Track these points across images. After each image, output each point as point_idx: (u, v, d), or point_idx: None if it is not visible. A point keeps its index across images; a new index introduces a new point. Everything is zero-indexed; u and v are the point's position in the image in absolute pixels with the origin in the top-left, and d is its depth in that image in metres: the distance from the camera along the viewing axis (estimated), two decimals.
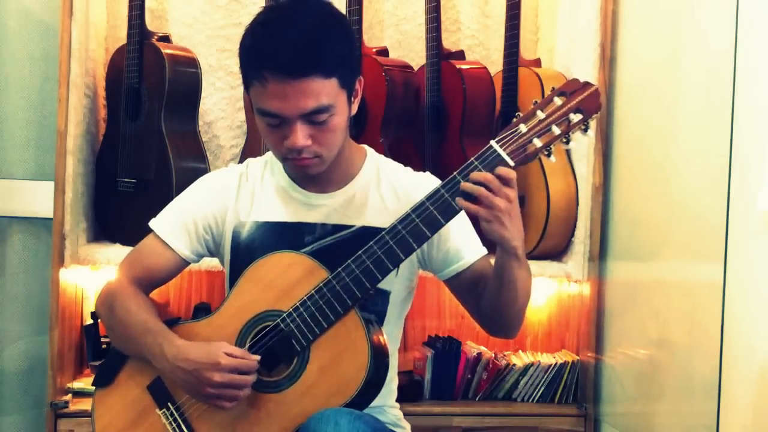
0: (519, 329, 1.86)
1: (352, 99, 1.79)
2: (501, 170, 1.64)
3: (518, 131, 1.66)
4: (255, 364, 1.69)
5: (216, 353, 1.68)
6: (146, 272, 1.89)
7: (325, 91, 1.68)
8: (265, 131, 1.76)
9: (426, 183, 1.86)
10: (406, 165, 1.96)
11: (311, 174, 1.79)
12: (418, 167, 1.96)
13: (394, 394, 1.98)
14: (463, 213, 1.68)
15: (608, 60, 2.75)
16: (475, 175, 1.64)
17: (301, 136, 1.70)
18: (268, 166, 1.93)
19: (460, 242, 1.85)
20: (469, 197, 1.64)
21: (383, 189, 1.88)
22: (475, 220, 1.71)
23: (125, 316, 1.82)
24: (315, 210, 1.86)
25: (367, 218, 1.85)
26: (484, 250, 1.87)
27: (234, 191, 1.90)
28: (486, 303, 1.80)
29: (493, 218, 1.63)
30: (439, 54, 2.82)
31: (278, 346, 1.72)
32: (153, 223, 1.90)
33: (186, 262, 1.91)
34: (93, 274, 2.81)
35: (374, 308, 1.83)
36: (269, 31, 1.70)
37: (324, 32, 1.70)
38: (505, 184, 1.63)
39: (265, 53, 1.68)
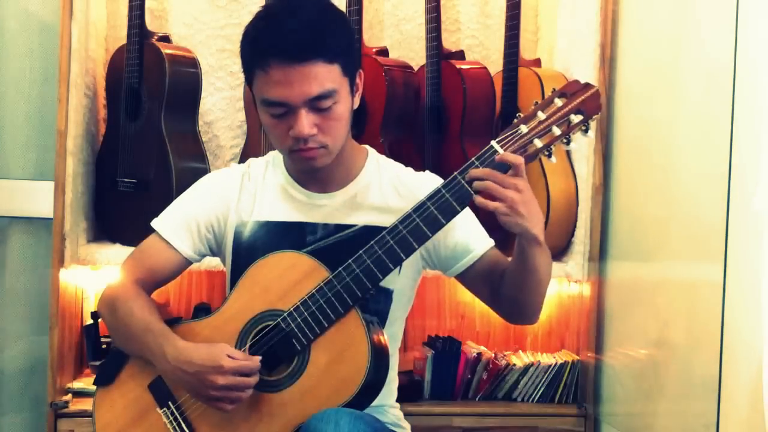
0: (539, 314, 1.84)
1: (354, 92, 1.80)
2: (508, 156, 1.63)
3: (519, 132, 1.67)
4: (257, 366, 1.69)
5: (218, 356, 1.68)
6: (149, 272, 1.89)
7: (328, 76, 1.70)
8: (270, 125, 1.76)
9: (428, 182, 1.87)
10: (406, 165, 1.96)
11: (317, 166, 1.79)
12: (418, 167, 1.96)
13: (395, 394, 1.98)
14: (466, 208, 1.68)
15: (608, 60, 2.75)
16: (475, 171, 1.64)
17: (306, 123, 1.71)
18: (270, 166, 1.93)
19: (466, 236, 1.85)
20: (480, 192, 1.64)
21: (385, 188, 1.88)
22: (488, 214, 1.69)
23: (127, 316, 1.82)
24: (317, 210, 1.86)
25: (369, 218, 1.85)
26: (491, 241, 1.87)
27: (236, 191, 1.90)
28: (508, 292, 1.80)
29: (509, 210, 1.63)
30: (439, 54, 2.82)
31: (279, 345, 1.72)
32: (155, 223, 1.90)
33: (189, 262, 1.91)
34: (93, 274, 2.81)
35: (377, 307, 1.83)
36: (272, 21, 1.73)
37: (325, 21, 1.73)
38: (514, 173, 1.63)
39: (269, 40, 1.70)
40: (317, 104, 1.71)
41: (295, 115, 1.71)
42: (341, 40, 1.74)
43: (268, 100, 1.73)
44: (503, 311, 1.86)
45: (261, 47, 1.71)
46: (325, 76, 1.70)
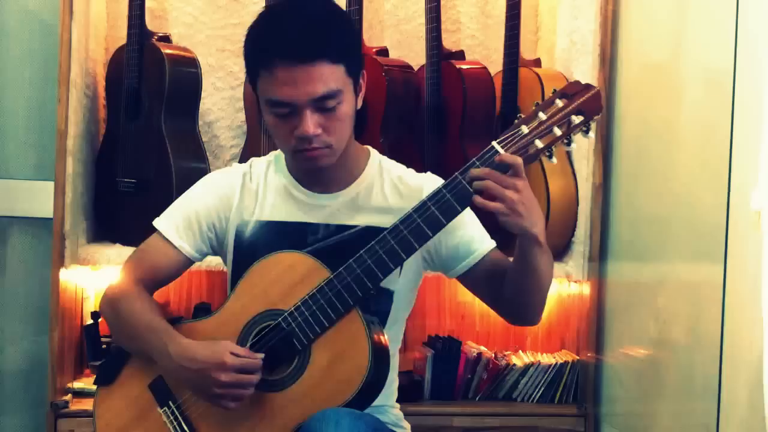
0: (541, 315, 1.84)
1: (358, 92, 1.81)
2: (505, 157, 1.63)
3: (520, 132, 1.67)
4: (260, 363, 1.69)
5: (221, 353, 1.68)
6: (151, 272, 1.88)
7: (333, 76, 1.70)
8: (274, 125, 1.76)
9: (430, 183, 1.86)
10: (406, 165, 1.96)
11: (321, 166, 1.79)
12: (418, 167, 1.96)
13: (395, 394, 1.98)
14: (467, 209, 1.68)
15: (608, 60, 2.75)
16: (476, 170, 1.64)
17: (311, 123, 1.71)
18: (271, 166, 1.93)
19: (469, 236, 1.84)
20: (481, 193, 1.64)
21: (387, 189, 1.88)
22: (489, 215, 1.69)
23: (129, 316, 1.82)
24: (318, 210, 1.86)
25: (371, 218, 1.84)
26: (492, 242, 1.86)
27: (238, 190, 1.90)
28: (509, 293, 1.79)
29: (508, 210, 1.63)
30: (439, 54, 2.82)
31: (279, 345, 1.72)
32: (157, 223, 1.90)
33: (191, 261, 1.90)
34: (93, 274, 2.81)
35: (378, 308, 1.83)
36: (276, 21, 1.74)
37: (330, 21, 1.74)
38: (513, 173, 1.63)
39: (273, 41, 1.70)
40: (322, 104, 1.71)
41: (300, 115, 1.71)
42: (346, 41, 1.75)
43: (273, 100, 1.73)
44: (505, 312, 1.86)
45: (265, 47, 1.72)
46: (330, 76, 1.70)
